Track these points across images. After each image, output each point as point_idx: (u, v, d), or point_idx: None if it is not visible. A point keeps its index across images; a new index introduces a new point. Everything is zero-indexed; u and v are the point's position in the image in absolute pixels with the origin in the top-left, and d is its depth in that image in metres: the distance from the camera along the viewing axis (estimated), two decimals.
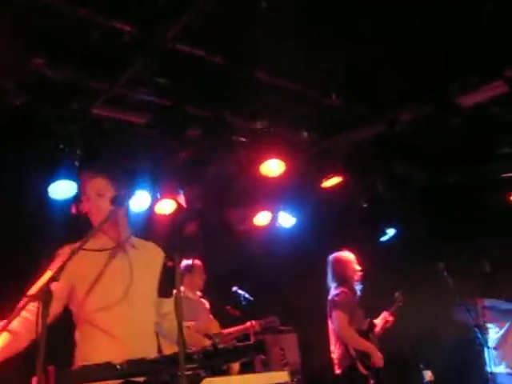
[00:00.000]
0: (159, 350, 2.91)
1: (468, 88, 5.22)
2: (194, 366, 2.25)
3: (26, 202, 5.22)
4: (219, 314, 5.82)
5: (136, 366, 2.18)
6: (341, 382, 5.64)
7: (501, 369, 6.22)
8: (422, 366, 6.43)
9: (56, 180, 5.14)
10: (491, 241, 7.11)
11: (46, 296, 2.10)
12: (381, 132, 5.96)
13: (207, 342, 3.12)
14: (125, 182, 3.03)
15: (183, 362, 2.09)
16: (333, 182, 6.39)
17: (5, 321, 2.38)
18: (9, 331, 2.52)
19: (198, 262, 5.74)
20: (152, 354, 2.51)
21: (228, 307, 5.90)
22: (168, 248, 2.36)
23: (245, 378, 2.56)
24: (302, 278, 6.89)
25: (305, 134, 5.97)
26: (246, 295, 5.95)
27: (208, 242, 6.46)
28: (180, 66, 4.61)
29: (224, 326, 5.80)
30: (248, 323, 5.71)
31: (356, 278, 5.89)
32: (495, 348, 6.24)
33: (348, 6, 4.26)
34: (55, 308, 2.55)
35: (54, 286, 2.15)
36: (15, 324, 2.50)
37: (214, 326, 5.55)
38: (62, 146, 5.11)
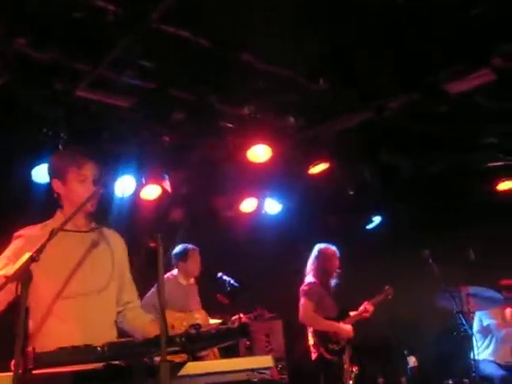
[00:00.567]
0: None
1: (455, 75, 5.20)
2: (176, 349, 2.22)
3: (10, 185, 5.16)
4: (208, 300, 5.79)
5: (117, 348, 2.14)
6: (313, 368, 5.85)
7: (484, 355, 6.27)
8: (406, 351, 6.48)
9: (40, 163, 5.09)
10: (476, 229, 7.16)
11: (24, 277, 2.06)
12: (368, 119, 5.94)
13: None
14: (109, 165, 2.99)
15: (164, 345, 2.06)
16: (319, 168, 6.37)
17: None
18: None
19: (195, 248, 5.72)
20: None
21: (218, 294, 5.87)
22: (151, 231, 2.32)
23: (228, 361, 2.52)
24: (287, 264, 6.88)
25: (292, 119, 5.92)
26: (232, 281, 5.93)
27: (193, 228, 6.43)
28: (165, 48, 4.54)
29: (212, 313, 5.77)
30: (236, 316, 5.67)
31: (334, 274, 6.16)
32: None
33: None
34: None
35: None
36: None
37: (203, 318, 5.52)
38: (45, 130, 5.05)
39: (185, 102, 5.30)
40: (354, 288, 6.71)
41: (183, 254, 5.65)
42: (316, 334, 5.90)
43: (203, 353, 2.47)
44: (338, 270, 6.16)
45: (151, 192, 5.91)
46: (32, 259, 2.10)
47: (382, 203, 7.55)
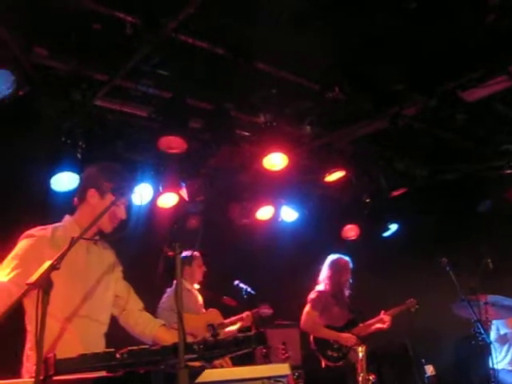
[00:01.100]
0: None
1: (472, 83, 5.19)
2: (194, 356, 2.23)
3: (28, 193, 5.21)
4: (216, 306, 5.80)
5: (136, 355, 2.16)
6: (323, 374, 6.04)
7: (502, 365, 6.20)
8: (423, 360, 6.43)
9: (58, 172, 5.14)
10: (493, 237, 7.10)
11: (45, 284, 2.10)
12: (384, 127, 5.93)
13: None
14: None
15: (183, 353, 2.08)
16: (335, 176, 6.36)
17: None
18: None
19: (196, 253, 5.72)
20: None
21: (224, 298, 5.89)
22: (169, 239, 2.35)
23: (245, 369, 2.54)
24: (304, 272, 6.87)
25: (308, 128, 5.94)
26: (248, 289, 5.92)
27: (210, 236, 6.43)
28: (181, 57, 4.59)
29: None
30: (243, 314, 5.69)
31: (345, 284, 6.21)
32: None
33: None
34: None
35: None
36: None
37: (216, 316, 5.54)
38: (63, 139, 5.11)
39: (201, 110, 5.34)
40: (370, 296, 6.69)
41: (188, 259, 5.64)
42: (315, 340, 6.03)
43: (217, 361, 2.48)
44: (348, 281, 6.21)
45: (168, 200, 5.95)
46: (53, 267, 2.13)
47: (398, 211, 7.51)
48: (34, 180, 5.22)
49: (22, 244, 2.85)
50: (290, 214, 7.08)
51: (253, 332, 2.59)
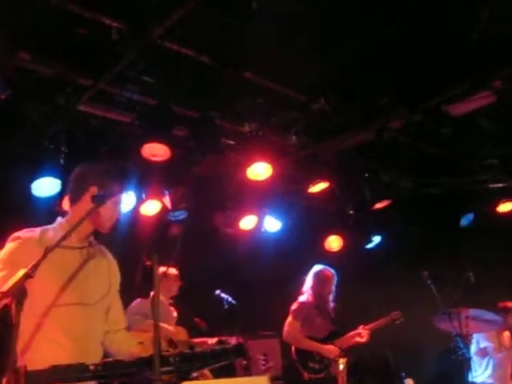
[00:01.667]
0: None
1: (456, 97, 5.22)
2: (170, 369, 2.20)
3: (9, 197, 5.15)
4: (187, 324, 5.74)
5: (110, 367, 2.13)
6: None
7: (482, 378, 6.22)
8: (403, 374, 6.41)
9: (40, 177, 5.08)
10: (476, 250, 7.13)
11: (19, 293, 2.05)
12: (370, 139, 5.95)
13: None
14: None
15: (158, 365, 2.04)
16: (319, 187, 6.36)
17: None
18: None
19: (173, 269, 5.67)
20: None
21: (196, 319, 5.81)
22: (148, 248, 2.31)
23: (223, 381, 2.50)
24: (286, 282, 6.85)
25: (293, 138, 5.94)
26: (229, 299, 5.88)
27: (192, 245, 6.40)
28: (168, 65, 4.57)
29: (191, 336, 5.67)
30: (208, 341, 5.58)
31: (328, 296, 6.20)
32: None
33: (340, 11, 4.25)
34: None
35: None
36: None
37: (182, 334, 5.47)
38: (46, 143, 5.05)
39: (186, 118, 5.32)
40: (353, 308, 6.68)
41: (164, 272, 5.56)
42: (296, 352, 6.00)
43: (195, 373, 2.44)
44: (331, 293, 6.20)
45: (151, 208, 5.91)
46: (27, 276, 2.09)
47: (381, 223, 7.53)
48: (15, 185, 5.15)
49: (8, 247, 2.77)
50: (273, 224, 7.06)
51: (231, 344, 2.58)
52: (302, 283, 6.36)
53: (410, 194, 7.27)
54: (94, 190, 2.85)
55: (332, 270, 6.27)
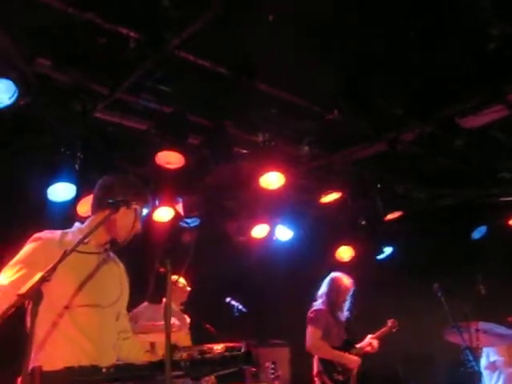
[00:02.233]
0: None
1: (470, 110, 5.24)
2: (181, 373, 2.24)
3: (25, 202, 5.22)
4: (198, 329, 5.76)
5: (123, 370, 2.17)
6: None
7: None
8: None
9: (55, 182, 5.15)
10: (488, 263, 7.11)
11: (36, 295, 2.10)
12: (383, 150, 5.97)
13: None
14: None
15: (170, 370, 2.08)
16: (331, 197, 6.38)
17: None
18: None
19: (182, 279, 5.71)
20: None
21: (207, 325, 5.83)
22: (162, 255, 2.35)
23: None
24: (297, 292, 6.86)
25: (306, 148, 5.97)
26: (240, 306, 5.92)
27: (204, 252, 6.44)
28: (184, 75, 4.63)
29: (200, 342, 5.68)
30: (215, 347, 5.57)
31: (343, 306, 6.07)
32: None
33: (354, 22, 4.29)
34: None
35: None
36: None
37: (184, 339, 5.50)
38: (62, 149, 5.13)
39: (201, 127, 5.37)
40: (363, 319, 6.67)
41: (174, 280, 5.59)
42: (322, 362, 5.85)
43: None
44: (345, 303, 6.07)
45: (164, 214, 5.96)
46: (44, 279, 2.14)
47: (393, 234, 7.52)
48: (31, 189, 5.23)
49: (28, 247, 2.83)
50: (285, 233, 7.09)
51: (241, 351, 2.60)
52: (310, 292, 6.30)
53: (423, 205, 7.28)
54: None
55: (350, 279, 6.14)
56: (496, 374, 6.31)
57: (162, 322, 5.09)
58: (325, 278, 6.27)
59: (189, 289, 5.79)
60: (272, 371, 5.87)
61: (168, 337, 2.14)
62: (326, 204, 6.48)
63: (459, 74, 4.82)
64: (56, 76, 4.58)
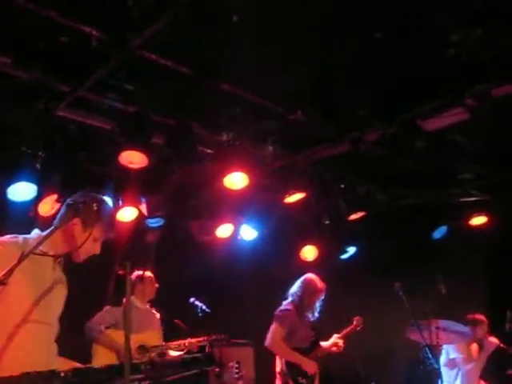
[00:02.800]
0: None
1: (430, 113, 5.33)
2: (141, 376, 2.23)
3: None
4: (168, 326, 5.75)
5: (81, 374, 2.15)
6: None
7: None
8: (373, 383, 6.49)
9: (16, 181, 5.07)
10: (449, 263, 7.25)
11: None
12: (346, 150, 6.03)
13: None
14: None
15: (128, 373, 2.08)
16: (295, 197, 6.42)
17: None
18: None
19: (149, 272, 5.68)
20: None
21: (176, 321, 5.82)
22: (121, 257, 2.34)
23: None
24: (261, 291, 6.90)
25: (270, 148, 6.00)
26: (204, 307, 5.91)
27: (168, 252, 6.42)
28: (148, 74, 4.61)
29: (171, 339, 5.67)
30: (186, 341, 5.57)
31: (315, 308, 6.04)
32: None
33: (317, 23, 4.32)
34: None
35: None
36: None
37: (156, 338, 5.47)
38: (24, 148, 5.04)
39: (164, 126, 5.34)
40: (327, 318, 6.73)
41: (140, 276, 5.55)
42: (287, 363, 5.80)
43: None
44: (315, 305, 6.04)
45: (127, 214, 5.91)
46: (0, 282, 2.11)
47: (356, 234, 7.61)
48: None
49: None
50: (249, 233, 7.11)
51: (202, 353, 2.60)
52: (275, 292, 6.30)
53: (385, 206, 7.37)
54: (76, 221, 2.88)
55: (323, 284, 6.09)
56: (455, 370, 6.45)
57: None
58: (289, 277, 6.28)
59: (156, 285, 5.75)
60: (236, 371, 5.89)
61: (127, 339, 2.13)
62: (290, 204, 6.52)
63: (421, 78, 4.90)
64: (17, 74, 4.50)
